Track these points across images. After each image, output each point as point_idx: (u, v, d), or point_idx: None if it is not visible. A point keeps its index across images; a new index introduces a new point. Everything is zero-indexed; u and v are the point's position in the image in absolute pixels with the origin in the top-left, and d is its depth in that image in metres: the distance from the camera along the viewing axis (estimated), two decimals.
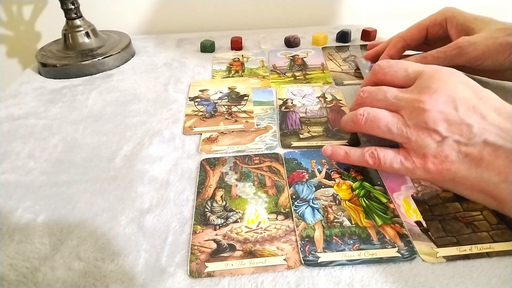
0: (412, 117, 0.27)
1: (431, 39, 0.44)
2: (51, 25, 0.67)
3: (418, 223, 0.28)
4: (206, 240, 0.28)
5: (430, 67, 0.29)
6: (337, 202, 0.31)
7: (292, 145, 0.37)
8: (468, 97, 0.26)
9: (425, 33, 0.43)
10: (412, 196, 0.31)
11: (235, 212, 0.30)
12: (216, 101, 0.46)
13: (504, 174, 0.25)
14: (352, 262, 0.26)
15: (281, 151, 0.37)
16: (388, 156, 0.29)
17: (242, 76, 0.52)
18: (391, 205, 0.30)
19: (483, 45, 0.37)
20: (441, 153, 0.26)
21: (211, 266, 0.26)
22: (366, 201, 0.30)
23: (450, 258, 0.26)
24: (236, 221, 0.29)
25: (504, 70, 0.39)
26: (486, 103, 0.26)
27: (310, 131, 0.39)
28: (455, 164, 0.26)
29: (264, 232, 0.28)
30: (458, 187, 0.28)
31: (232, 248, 0.27)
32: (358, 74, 0.51)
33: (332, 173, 0.34)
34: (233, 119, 0.42)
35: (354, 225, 0.28)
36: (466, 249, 0.26)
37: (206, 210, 0.30)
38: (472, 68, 0.40)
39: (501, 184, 0.25)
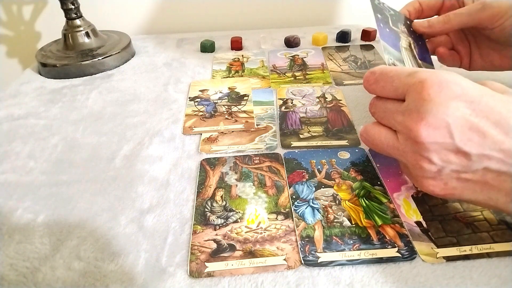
0: (407, 144, 0.25)
1: (445, 12, 0.43)
2: (51, 25, 0.67)
3: (418, 223, 0.28)
4: (206, 240, 0.28)
5: (418, 78, 0.25)
6: (337, 202, 0.31)
7: (292, 145, 0.37)
8: (463, 116, 0.23)
9: (441, 3, 0.42)
10: (412, 196, 0.31)
11: (235, 212, 0.30)
12: (216, 101, 0.46)
13: None
14: (352, 262, 0.26)
15: (281, 151, 0.37)
16: (401, 164, 0.29)
17: (242, 76, 0.52)
18: (391, 205, 0.30)
19: (506, 1, 0.36)
20: (440, 181, 0.25)
21: (211, 266, 0.26)
22: (366, 201, 0.30)
23: (450, 259, 0.26)
24: (236, 221, 0.29)
25: None
26: (485, 116, 0.23)
27: (310, 131, 0.39)
28: (458, 190, 0.25)
29: (264, 232, 0.28)
30: (468, 202, 0.28)
31: (232, 248, 0.27)
32: (358, 73, 0.51)
33: (332, 173, 0.34)
34: (233, 119, 0.42)
35: (354, 225, 0.28)
36: (466, 250, 0.26)
37: (206, 210, 0.30)
38: (491, 34, 0.39)
39: (510, 204, 0.24)
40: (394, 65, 0.35)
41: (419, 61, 0.39)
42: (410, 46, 0.39)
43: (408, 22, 0.42)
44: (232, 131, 0.40)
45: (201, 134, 0.40)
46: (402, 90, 0.26)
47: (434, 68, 0.41)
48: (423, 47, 0.42)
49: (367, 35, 0.61)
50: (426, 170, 0.25)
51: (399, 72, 0.27)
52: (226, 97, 0.46)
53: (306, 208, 0.30)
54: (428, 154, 0.24)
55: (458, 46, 0.44)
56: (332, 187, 0.32)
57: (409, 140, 0.25)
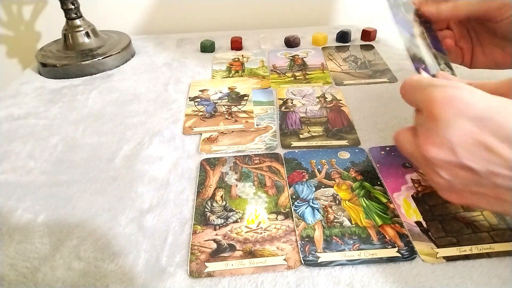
0: (421, 157, 0.26)
1: None
2: (51, 25, 0.67)
3: (418, 223, 0.28)
4: (206, 240, 0.28)
5: (427, 96, 0.25)
6: (337, 202, 0.31)
7: (292, 145, 0.37)
8: (466, 133, 0.23)
9: None
10: (412, 196, 0.31)
11: (235, 212, 0.30)
12: (216, 101, 0.46)
13: None
14: (352, 262, 0.26)
15: (281, 151, 0.37)
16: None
17: (242, 76, 0.52)
18: (391, 205, 0.30)
19: None
20: (454, 192, 0.26)
21: (211, 266, 0.26)
22: (366, 201, 0.30)
23: (450, 259, 0.26)
24: (236, 221, 0.29)
25: None
26: (491, 133, 0.22)
27: (310, 131, 0.39)
28: (474, 200, 0.25)
29: (264, 232, 0.28)
30: (488, 211, 0.29)
31: (232, 248, 0.27)
32: (358, 73, 0.51)
33: (332, 173, 0.34)
34: (233, 119, 0.42)
35: (354, 225, 0.28)
36: (466, 250, 0.26)
37: (206, 210, 0.30)
38: (497, 27, 0.39)
39: None
40: (412, 47, 0.36)
41: (433, 50, 0.39)
42: (423, 34, 0.40)
43: (418, 13, 0.42)
44: (232, 131, 0.40)
45: (201, 134, 0.40)
46: (420, 105, 0.27)
47: (447, 58, 0.41)
48: (435, 37, 0.42)
49: (367, 35, 0.61)
50: (438, 183, 0.26)
51: (417, 86, 0.28)
52: (226, 97, 0.46)
53: (306, 208, 0.30)
54: (437, 169, 0.25)
55: (460, 42, 0.44)
56: (332, 187, 0.32)
57: (422, 154, 0.26)
